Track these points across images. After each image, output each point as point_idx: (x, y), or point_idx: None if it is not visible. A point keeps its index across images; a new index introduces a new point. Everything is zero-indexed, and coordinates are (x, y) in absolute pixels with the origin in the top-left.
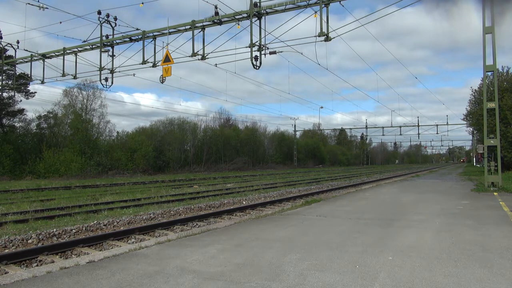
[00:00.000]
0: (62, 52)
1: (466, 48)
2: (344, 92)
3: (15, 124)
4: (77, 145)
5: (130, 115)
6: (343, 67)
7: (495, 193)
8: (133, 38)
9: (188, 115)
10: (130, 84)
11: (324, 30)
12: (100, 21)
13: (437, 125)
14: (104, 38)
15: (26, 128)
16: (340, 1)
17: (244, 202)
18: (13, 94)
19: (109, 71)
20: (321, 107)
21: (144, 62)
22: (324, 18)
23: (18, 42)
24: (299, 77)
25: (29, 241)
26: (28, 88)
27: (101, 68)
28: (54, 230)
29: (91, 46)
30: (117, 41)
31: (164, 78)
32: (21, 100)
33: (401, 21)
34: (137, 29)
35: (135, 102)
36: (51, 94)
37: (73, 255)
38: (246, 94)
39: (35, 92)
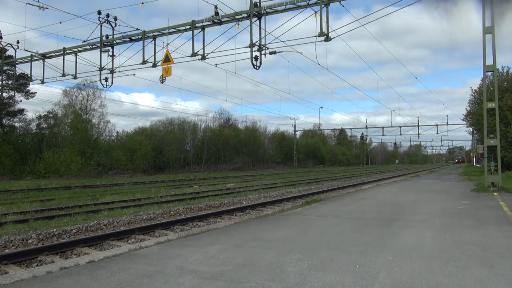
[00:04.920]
0: (62, 52)
1: (463, 47)
2: (342, 92)
3: (15, 124)
4: (77, 145)
5: (129, 115)
6: (340, 67)
7: (495, 193)
8: (133, 38)
9: (188, 115)
10: (128, 84)
11: (324, 30)
12: (100, 21)
13: (437, 125)
14: (104, 38)
15: (26, 128)
16: (340, 1)
17: (244, 202)
18: (13, 94)
19: (109, 71)
20: (321, 107)
21: (144, 62)
22: (324, 18)
23: (18, 42)
24: (296, 76)
25: (29, 241)
26: (28, 88)
27: (101, 68)
28: (54, 230)
29: (91, 46)
30: (117, 41)
31: (164, 78)
32: (21, 100)
33: (398, 20)
34: (137, 29)
35: (133, 102)
36: (51, 94)
37: (73, 255)
38: (244, 94)
39: (35, 92)
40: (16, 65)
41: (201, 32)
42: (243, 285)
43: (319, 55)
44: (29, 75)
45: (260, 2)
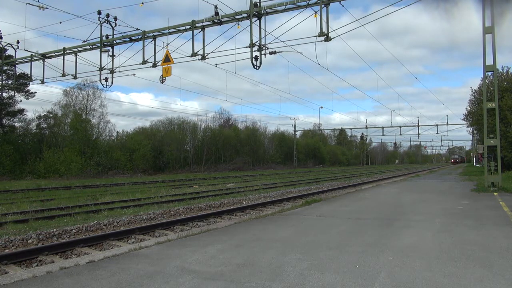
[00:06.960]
0: (62, 52)
1: (463, 47)
2: (342, 92)
3: (15, 124)
4: (77, 145)
5: (128, 114)
6: (339, 66)
7: (495, 193)
8: (133, 38)
9: (187, 115)
10: (127, 83)
11: (324, 30)
12: (100, 21)
13: (437, 125)
14: (104, 38)
15: (26, 128)
16: (340, 1)
17: (244, 202)
18: (13, 94)
19: (109, 71)
20: (321, 107)
21: (144, 62)
22: (324, 18)
23: (18, 42)
24: (296, 76)
25: (29, 241)
26: (28, 88)
27: (101, 68)
28: (54, 230)
29: (91, 46)
30: (117, 41)
31: (164, 78)
32: (21, 100)
33: (396, 20)
34: (137, 29)
35: (132, 101)
36: (51, 94)
37: (73, 255)
38: (244, 94)
39: (35, 92)
40: (16, 65)
41: (201, 32)
42: (243, 285)
43: (318, 54)
44: (29, 75)
45: (260, 2)
